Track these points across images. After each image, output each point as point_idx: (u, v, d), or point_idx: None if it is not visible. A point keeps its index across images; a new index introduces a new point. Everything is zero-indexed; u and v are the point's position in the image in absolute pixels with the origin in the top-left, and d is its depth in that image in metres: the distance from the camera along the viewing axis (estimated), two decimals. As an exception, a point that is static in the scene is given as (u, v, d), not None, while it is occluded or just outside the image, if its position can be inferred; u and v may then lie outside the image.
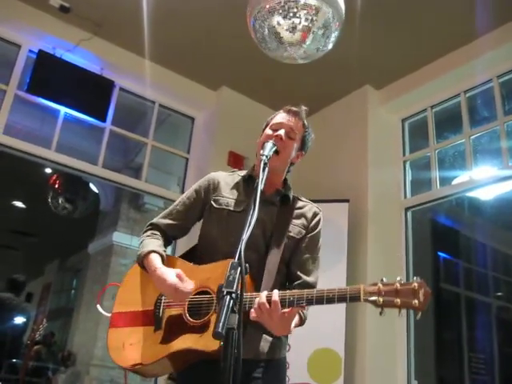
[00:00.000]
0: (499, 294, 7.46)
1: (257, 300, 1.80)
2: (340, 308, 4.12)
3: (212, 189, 2.28)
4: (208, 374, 1.68)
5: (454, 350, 6.64)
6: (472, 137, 4.42)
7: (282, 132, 2.19)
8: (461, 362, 6.61)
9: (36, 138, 4.77)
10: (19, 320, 6.76)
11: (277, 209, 2.21)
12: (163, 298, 2.08)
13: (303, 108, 2.32)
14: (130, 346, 2.07)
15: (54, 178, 8.15)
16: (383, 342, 4.26)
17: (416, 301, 1.63)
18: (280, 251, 2.09)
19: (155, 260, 2.09)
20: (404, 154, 4.94)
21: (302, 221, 2.23)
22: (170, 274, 1.98)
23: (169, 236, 2.30)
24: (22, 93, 4.46)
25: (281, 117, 2.28)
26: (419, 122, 4.97)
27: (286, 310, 1.77)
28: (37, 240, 10.97)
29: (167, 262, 2.14)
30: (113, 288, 8.21)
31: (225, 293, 1.33)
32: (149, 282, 2.12)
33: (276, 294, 1.77)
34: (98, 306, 2.37)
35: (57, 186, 8.15)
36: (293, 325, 1.91)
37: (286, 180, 2.33)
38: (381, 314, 1.69)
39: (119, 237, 8.54)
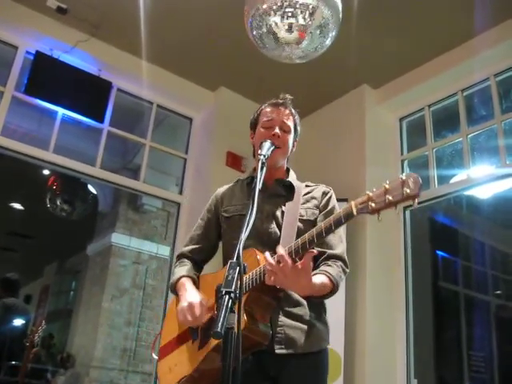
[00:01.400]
0: (498, 292, 7.47)
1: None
2: (339, 307, 4.12)
3: (220, 202, 2.35)
4: (253, 367, 1.77)
5: (453, 349, 6.65)
6: (469, 135, 4.43)
7: (277, 130, 2.21)
8: (460, 360, 6.61)
9: (34, 139, 4.77)
10: (19, 322, 6.74)
11: (284, 198, 2.23)
12: None
13: (287, 97, 2.33)
14: (175, 366, 2.12)
15: (52, 179, 8.15)
16: (382, 341, 4.27)
17: (407, 189, 1.58)
18: (293, 236, 2.07)
19: (184, 282, 2.17)
20: (402, 153, 4.94)
21: (313, 202, 2.25)
22: (193, 294, 2.07)
23: (198, 260, 2.37)
24: (19, 94, 4.45)
25: (270, 113, 2.28)
26: (417, 120, 4.97)
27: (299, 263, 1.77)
28: (35, 242, 10.95)
29: (200, 280, 2.24)
30: (112, 289, 8.20)
31: (223, 292, 1.34)
32: None
33: (281, 249, 1.79)
34: (153, 354, 2.39)
35: (55, 187, 8.15)
36: (318, 281, 1.90)
37: (288, 169, 2.37)
38: (378, 218, 1.67)
39: (118, 238, 8.53)
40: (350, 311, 4.22)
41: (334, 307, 4.12)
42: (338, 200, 4.45)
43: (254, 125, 2.35)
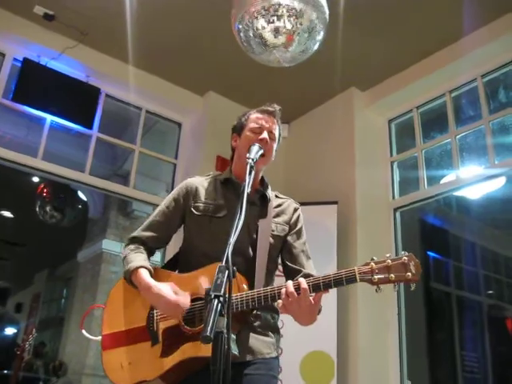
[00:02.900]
0: (490, 292, 7.50)
1: (283, 290, 1.84)
2: (331, 309, 4.12)
3: (191, 195, 2.27)
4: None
5: (446, 349, 6.67)
6: (458, 136, 4.45)
7: (266, 135, 2.21)
8: (453, 360, 6.63)
9: (22, 146, 4.74)
10: (8, 331, 6.70)
11: (258, 208, 2.22)
12: (155, 311, 2.07)
13: (277, 107, 2.32)
14: (129, 365, 2.05)
15: (41, 186, 8.12)
16: (375, 343, 4.27)
17: (409, 273, 1.75)
18: (266, 251, 2.12)
19: (145, 276, 2.07)
20: (391, 155, 4.96)
21: (283, 218, 2.27)
22: (167, 291, 1.99)
23: (152, 248, 2.29)
24: (7, 101, 4.42)
25: (259, 120, 2.27)
26: (405, 122, 4.99)
27: (312, 295, 1.84)
28: (25, 249, 10.89)
29: (154, 274, 2.13)
30: (104, 295, 8.17)
31: (212, 296, 1.33)
32: (135, 298, 2.11)
33: (304, 282, 1.83)
34: (83, 331, 2.34)
35: (44, 194, 8.11)
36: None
37: (262, 178, 2.35)
38: (377, 291, 1.79)
39: (109, 244, 8.52)
40: (342, 313, 4.22)
41: (326, 310, 4.11)
42: (328, 203, 4.52)
43: (239, 129, 2.32)
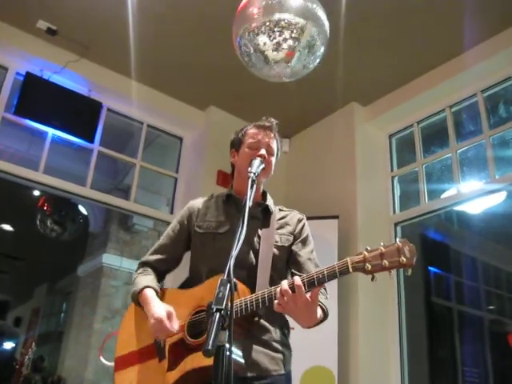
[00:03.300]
0: (491, 307, 7.47)
1: (278, 289, 1.82)
2: (332, 324, 4.10)
3: (193, 216, 2.31)
4: None
5: (447, 364, 6.63)
6: (458, 151, 4.46)
7: (264, 152, 2.21)
8: (455, 375, 6.60)
9: (24, 160, 4.76)
10: (8, 346, 6.68)
11: (260, 222, 2.23)
12: None
13: (273, 121, 2.33)
14: (138, 382, 2.08)
15: (42, 200, 8.13)
16: (376, 358, 4.25)
17: (403, 258, 1.67)
18: (269, 261, 2.11)
19: (148, 294, 2.12)
20: (392, 170, 4.97)
21: (287, 229, 2.26)
22: (159, 308, 2.03)
23: (160, 271, 2.33)
24: (9, 115, 4.44)
25: (256, 135, 2.27)
26: (406, 137, 5.01)
27: (308, 294, 1.80)
28: (25, 263, 10.87)
29: (161, 294, 2.18)
30: (103, 310, 8.12)
31: (214, 310, 1.33)
32: (145, 318, 2.12)
33: (298, 279, 1.80)
34: (102, 358, 2.37)
35: (45, 208, 8.12)
36: (318, 315, 1.94)
37: (264, 192, 2.36)
38: (372, 279, 1.74)
39: (109, 258, 8.49)
40: (343, 328, 4.20)
41: (327, 324, 4.10)
42: (329, 217, 4.52)
43: (237, 144, 2.33)
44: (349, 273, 1.76)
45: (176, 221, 2.37)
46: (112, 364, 2.27)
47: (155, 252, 2.35)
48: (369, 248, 1.75)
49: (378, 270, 1.72)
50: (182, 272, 2.42)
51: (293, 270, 2.21)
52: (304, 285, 1.80)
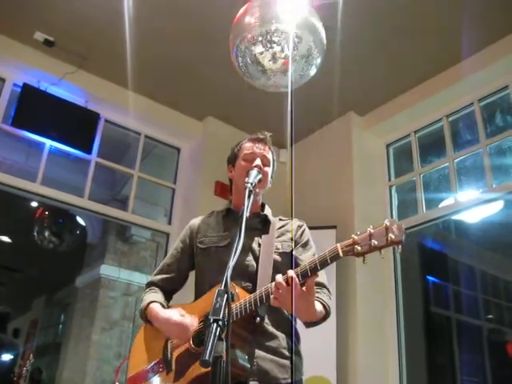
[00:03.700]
0: (490, 316, 7.45)
1: (273, 284, 1.85)
2: (330, 333, 4.09)
3: (195, 233, 2.35)
4: None
5: (446, 374, 6.60)
6: (456, 160, 4.47)
7: (259, 162, 2.25)
8: (454, 385, 6.57)
9: (21, 171, 4.76)
10: (7, 358, 6.64)
11: (259, 232, 2.25)
12: (169, 341, 2.12)
13: (267, 134, 2.38)
14: None
15: (39, 211, 8.10)
16: (375, 368, 4.24)
17: (391, 235, 1.69)
18: (270, 266, 2.12)
19: (156, 308, 2.16)
20: (389, 179, 4.97)
21: (288, 235, 2.28)
22: (173, 315, 2.06)
23: (167, 290, 2.37)
24: (6, 126, 4.45)
25: (251, 147, 2.33)
26: (403, 146, 5.02)
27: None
28: (23, 275, 10.83)
29: (168, 308, 2.21)
30: (102, 321, 8.09)
31: (211, 320, 1.33)
32: (154, 335, 2.17)
33: (291, 271, 1.83)
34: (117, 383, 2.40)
35: (43, 219, 8.10)
36: (318, 309, 1.97)
37: (263, 204, 2.39)
38: (363, 261, 1.75)
39: (107, 269, 8.45)
40: (342, 338, 4.19)
41: (326, 334, 4.10)
42: (327, 227, 4.51)
43: (233, 160, 2.38)
44: (339, 257, 1.78)
45: (179, 240, 2.42)
46: None
47: (159, 272, 2.39)
48: (358, 232, 1.78)
49: (368, 251, 1.73)
50: (187, 292, 2.43)
51: None
52: (298, 276, 1.82)
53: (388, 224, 1.71)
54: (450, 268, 7.46)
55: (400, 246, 1.70)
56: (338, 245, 1.79)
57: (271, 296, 1.85)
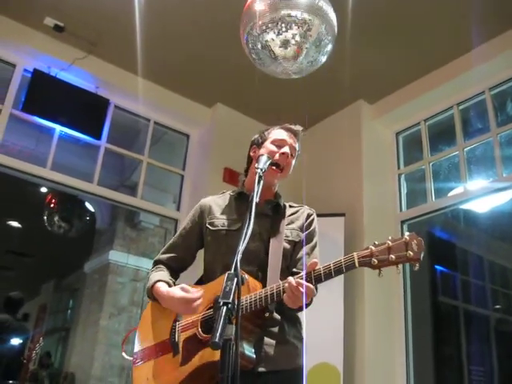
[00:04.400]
0: (497, 306, 7.44)
1: (287, 285, 1.83)
2: (338, 322, 4.11)
3: (205, 213, 2.33)
4: None
5: (453, 363, 6.61)
6: (466, 149, 4.45)
7: (287, 150, 2.27)
8: (461, 375, 6.57)
9: (31, 156, 4.78)
10: (16, 341, 6.71)
11: (270, 219, 2.24)
12: (177, 324, 2.12)
13: (301, 128, 2.40)
14: (154, 377, 2.11)
15: (49, 196, 8.14)
16: (382, 356, 4.25)
17: (410, 252, 1.66)
18: (280, 255, 2.13)
19: (162, 287, 2.14)
20: (399, 168, 4.96)
21: (297, 223, 2.28)
22: (176, 291, 2.04)
23: (174, 269, 2.36)
24: (17, 112, 4.46)
25: (283, 134, 2.34)
26: (413, 135, 5.00)
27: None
28: (32, 260, 10.91)
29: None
30: (110, 306, 8.15)
31: (221, 303, 1.33)
32: (162, 314, 2.17)
33: (302, 281, 1.82)
34: (124, 354, 2.41)
35: (52, 205, 8.14)
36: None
37: (277, 193, 2.39)
38: (379, 274, 1.72)
39: (115, 255, 8.50)
40: (349, 326, 4.20)
41: (333, 321, 4.11)
42: (336, 215, 4.51)
43: (259, 141, 2.37)
44: (355, 267, 1.76)
45: (188, 219, 2.40)
46: (130, 358, 2.30)
47: (168, 250, 2.38)
48: (376, 242, 1.75)
49: (385, 265, 1.71)
50: (194, 269, 2.44)
51: (291, 266, 2.22)
52: (311, 280, 1.83)
53: (408, 239, 1.68)
54: (458, 257, 7.45)
55: (418, 264, 1.68)
56: (355, 254, 1.77)
57: (284, 295, 1.85)
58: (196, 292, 1.99)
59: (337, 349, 4.06)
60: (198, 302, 1.98)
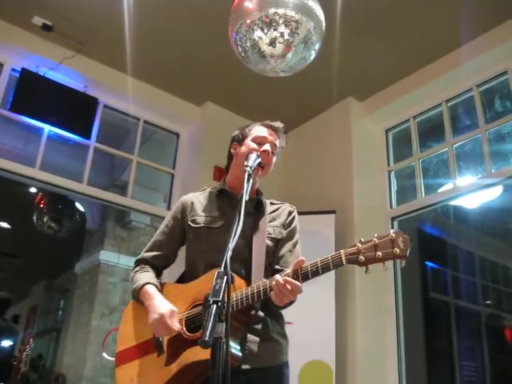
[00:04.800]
0: (488, 302, 7.49)
1: (274, 283, 1.84)
2: (330, 320, 4.11)
3: (187, 210, 2.32)
4: None
5: (445, 359, 6.64)
6: (455, 145, 4.47)
7: (268, 147, 2.26)
8: (452, 370, 6.60)
9: (20, 156, 4.75)
10: (6, 343, 6.67)
11: (253, 216, 2.24)
12: None
13: (280, 124, 2.38)
14: (138, 377, 2.09)
15: (38, 197, 8.11)
16: (374, 353, 4.26)
17: (396, 249, 1.69)
18: (263, 253, 2.13)
19: (151, 291, 2.13)
20: (389, 164, 4.97)
21: (279, 220, 2.29)
22: (163, 305, 2.03)
23: (157, 267, 2.35)
24: (5, 111, 4.43)
25: (263, 131, 2.33)
26: (403, 131, 5.01)
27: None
28: (22, 261, 10.85)
29: (161, 288, 2.20)
30: (101, 306, 8.10)
31: (211, 302, 1.33)
32: (144, 313, 2.13)
33: (290, 279, 1.83)
34: (104, 354, 2.39)
35: (42, 205, 8.11)
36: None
37: (258, 189, 2.39)
38: (366, 271, 1.74)
39: (106, 255, 8.48)
40: (341, 323, 4.21)
41: (325, 319, 4.12)
42: (326, 212, 4.52)
43: (240, 139, 2.36)
44: (343, 265, 1.78)
45: (170, 216, 2.39)
46: (113, 359, 2.28)
47: (151, 249, 2.36)
48: (362, 240, 1.77)
49: (372, 262, 1.73)
50: (176, 266, 2.43)
51: (273, 263, 2.22)
52: (298, 277, 1.83)
53: (394, 236, 1.71)
54: (448, 253, 7.48)
55: (404, 261, 1.70)
56: (342, 251, 1.79)
57: (271, 292, 1.85)
58: (176, 323, 1.99)
59: (329, 346, 4.07)
60: (171, 334, 1.99)
